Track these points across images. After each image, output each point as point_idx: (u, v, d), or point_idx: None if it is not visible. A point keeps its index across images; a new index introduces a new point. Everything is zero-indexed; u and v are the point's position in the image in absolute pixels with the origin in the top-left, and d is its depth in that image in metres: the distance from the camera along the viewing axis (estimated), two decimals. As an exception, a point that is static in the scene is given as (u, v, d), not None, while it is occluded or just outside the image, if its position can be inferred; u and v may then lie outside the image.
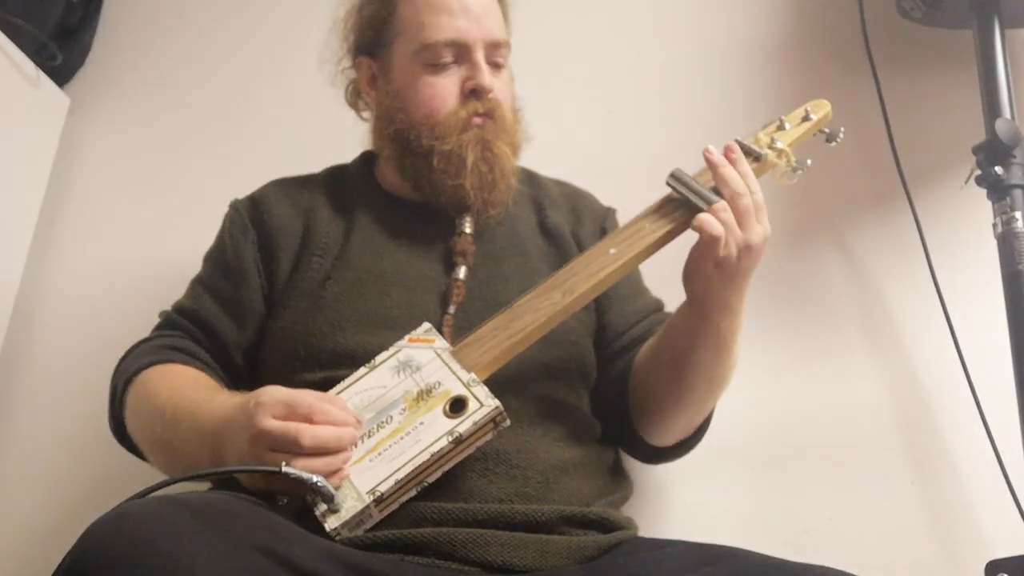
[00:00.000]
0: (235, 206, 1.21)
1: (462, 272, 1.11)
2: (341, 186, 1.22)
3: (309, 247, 1.14)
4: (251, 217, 1.18)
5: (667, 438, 1.14)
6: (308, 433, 0.87)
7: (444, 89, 1.13)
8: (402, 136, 1.15)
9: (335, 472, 0.88)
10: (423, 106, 1.14)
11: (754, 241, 0.96)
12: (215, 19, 1.74)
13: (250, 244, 1.16)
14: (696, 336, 1.02)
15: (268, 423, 0.88)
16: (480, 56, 1.13)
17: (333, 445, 0.89)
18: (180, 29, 1.74)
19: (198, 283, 1.18)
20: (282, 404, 0.89)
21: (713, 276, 0.97)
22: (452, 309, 1.08)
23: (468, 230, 1.15)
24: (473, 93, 1.12)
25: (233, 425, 0.91)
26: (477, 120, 1.12)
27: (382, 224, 1.16)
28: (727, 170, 0.97)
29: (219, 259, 1.18)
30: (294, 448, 0.87)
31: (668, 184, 1.00)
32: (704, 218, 0.95)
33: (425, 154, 1.12)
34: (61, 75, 1.67)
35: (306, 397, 0.90)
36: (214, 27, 1.74)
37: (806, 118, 1.08)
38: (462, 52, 1.13)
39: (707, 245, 0.95)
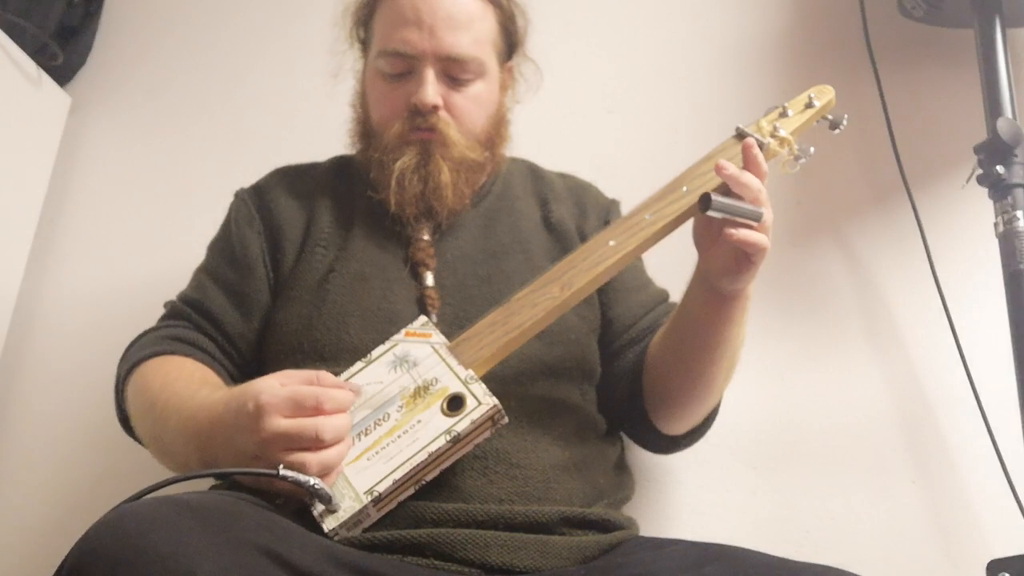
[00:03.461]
0: (240, 196, 1.21)
1: (429, 279, 1.10)
2: (345, 177, 1.21)
3: (312, 237, 1.13)
4: (257, 207, 1.18)
5: (682, 426, 1.14)
6: (328, 426, 0.86)
7: (392, 101, 1.12)
8: (365, 139, 1.17)
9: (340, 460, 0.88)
10: (375, 114, 1.15)
11: (769, 222, 0.95)
12: (216, 19, 1.74)
13: (256, 234, 1.15)
14: (723, 306, 1.00)
15: (280, 425, 0.86)
16: (428, 70, 1.10)
17: (347, 432, 0.89)
18: (181, 28, 1.74)
19: (203, 272, 1.17)
20: (288, 401, 0.87)
21: (743, 265, 0.96)
22: (434, 318, 1.06)
23: (426, 237, 1.13)
24: (416, 107, 1.10)
25: (226, 424, 0.90)
26: (420, 135, 1.10)
27: (382, 218, 1.15)
28: (748, 178, 0.94)
29: (225, 249, 1.17)
30: (315, 445, 0.86)
31: (711, 215, 0.92)
32: (760, 237, 0.93)
33: (372, 161, 1.13)
34: (62, 74, 1.67)
35: (307, 389, 0.88)
36: (215, 27, 1.74)
37: (809, 104, 1.05)
38: (413, 64, 1.11)
39: (759, 255, 0.94)
